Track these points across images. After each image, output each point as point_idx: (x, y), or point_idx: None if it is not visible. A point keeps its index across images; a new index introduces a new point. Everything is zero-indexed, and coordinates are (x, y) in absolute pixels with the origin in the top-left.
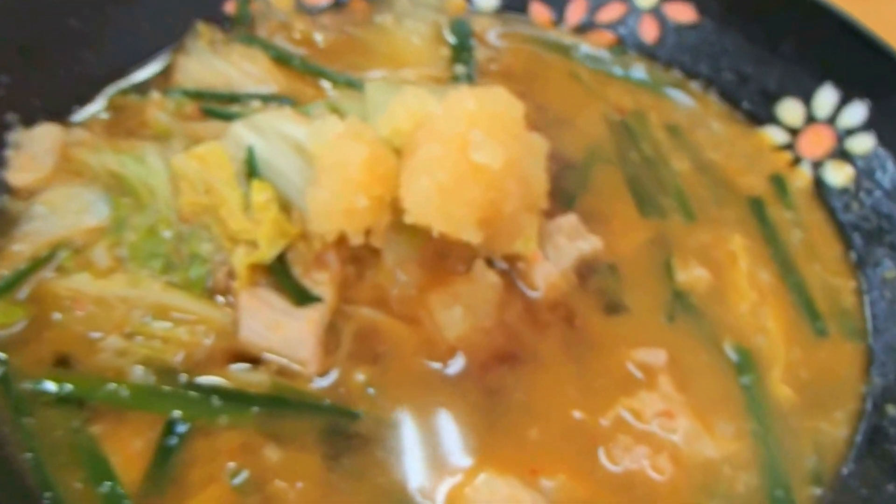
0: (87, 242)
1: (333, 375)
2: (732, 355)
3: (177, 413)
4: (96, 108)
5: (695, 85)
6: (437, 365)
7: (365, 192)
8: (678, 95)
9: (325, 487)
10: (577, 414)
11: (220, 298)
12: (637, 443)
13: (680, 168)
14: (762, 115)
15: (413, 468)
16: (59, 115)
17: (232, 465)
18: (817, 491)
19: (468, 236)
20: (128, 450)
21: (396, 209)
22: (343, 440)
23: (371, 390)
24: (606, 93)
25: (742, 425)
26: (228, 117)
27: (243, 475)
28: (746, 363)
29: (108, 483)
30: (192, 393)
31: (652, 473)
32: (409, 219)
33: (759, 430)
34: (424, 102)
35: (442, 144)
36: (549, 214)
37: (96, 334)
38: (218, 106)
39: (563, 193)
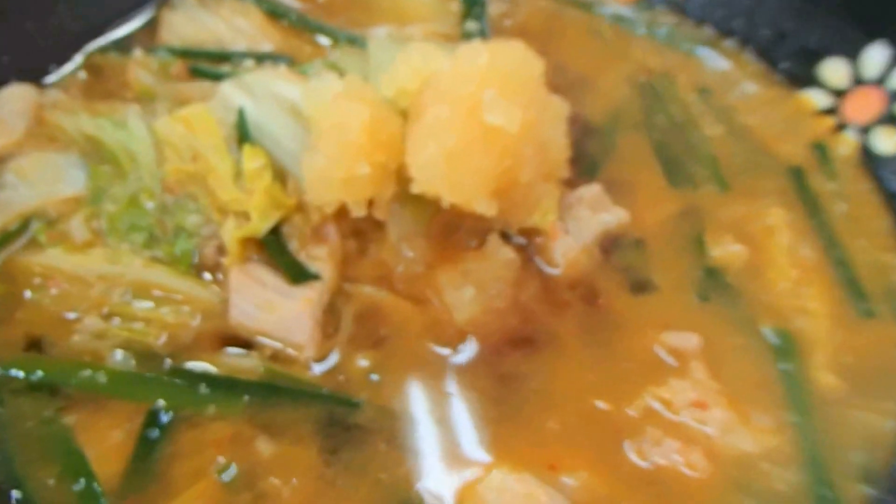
0: (61, 214)
1: (332, 361)
2: (771, 339)
3: (160, 402)
4: (73, 67)
5: (728, 43)
6: (445, 350)
7: (366, 158)
8: (710, 55)
9: (323, 484)
10: (600, 404)
11: (208, 276)
12: (667, 435)
13: (712, 134)
14: (803, 76)
15: (419, 463)
16: (32, 74)
17: (220, 459)
18: (867, 490)
19: (481, 208)
20: (105, 442)
21: (402, 178)
22: (342, 432)
23: (373, 377)
24: (631, 52)
25: (782, 416)
26: (218, 77)
27: (233, 470)
28: (786, 347)
29: (84, 479)
30: (177, 380)
31: (683, 469)
32: (415, 188)
33: (800, 421)
34: (432, 59)
35: (451, 105)
36: (570, 184)
37: (71, 315)
38: (207, 65)
39: (585, 161)
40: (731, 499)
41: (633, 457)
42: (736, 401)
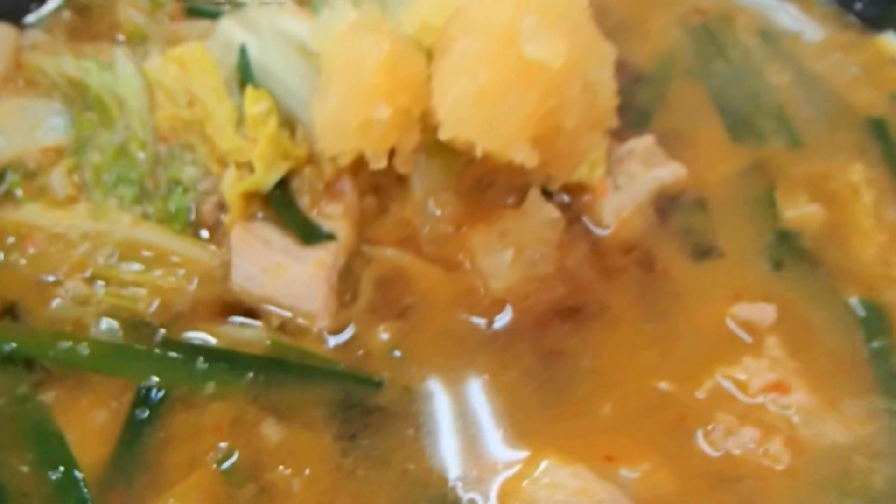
0: (41, 165)
1: (349, 333)
2: (859, 311)
3: (151, 378)
4: (56, 4)
5: None
6: (480, 320)
7: (386, 99)
8: None
9: (339, 476)
10: (662, 385)
11: (207, 235)
12: (742, 423)
13: (777, 83)
14: (880, 17)
15: (452, 453)
16: (12, 14)
17: (220, 445)
18: None
19: (520, 156)
20: (88, 424)
21: (427, 125)
22: (362, 415)
23: (396, 353)
24: None
25: (875, 402)
26: (217, 17)
27: (234, 458)
28: (877, 322)
29: (62, 466)
30: (171, 353)
31: (763, 462)
32: (444, 133)
33: None
34: None
35: (483, 36)
36: (618, 137)
37: (50, 278)
38: (204, 4)
39: (634, 112)
40: (822, 498)
41: (704, 447)
42: (820, 383)
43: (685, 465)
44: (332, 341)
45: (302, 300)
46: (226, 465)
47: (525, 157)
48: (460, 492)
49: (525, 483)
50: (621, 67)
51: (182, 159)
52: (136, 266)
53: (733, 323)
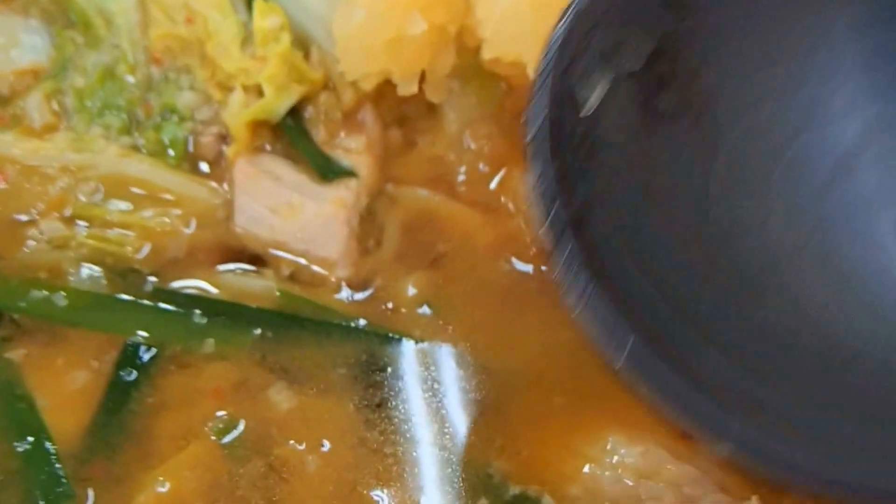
0: (15, 89)
1: (373, 284)
2: None
3: (140, 334)
4: None
5: None
6: (525, 268)
7: (422, 11)
8: None
9: (362, 452)
10: None
11: (206, 168)
12: None
13: None
14: None
15: (496, 426)
16: None
17: (221, 413)
18: None
19: None
20: (64, 387)
21: (463, 46)
22: (388, 381)
23: (426, 310)
24: None
25: None
26: None
27: (239, 429)
28: None
29: (32, 437)
30: (163, 305)
31: None
32: (488, 52)
33: None
34: None
35: None
36: None
37: (24, 217)
38: None
39: None
40: None
41: None
42: None
43: None
44: (353, 294)
45: (318, 245)
46: (227, 437)
47: None
48: (505, 473)
49: (587, 465)
50: None
51: (178, 84)
52: (124, 205)
53: None
